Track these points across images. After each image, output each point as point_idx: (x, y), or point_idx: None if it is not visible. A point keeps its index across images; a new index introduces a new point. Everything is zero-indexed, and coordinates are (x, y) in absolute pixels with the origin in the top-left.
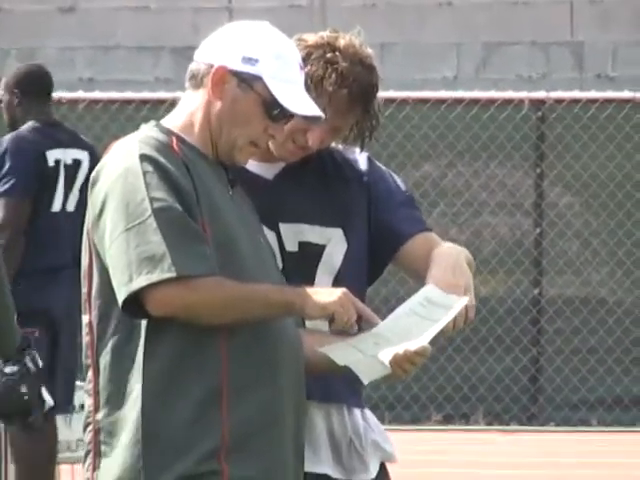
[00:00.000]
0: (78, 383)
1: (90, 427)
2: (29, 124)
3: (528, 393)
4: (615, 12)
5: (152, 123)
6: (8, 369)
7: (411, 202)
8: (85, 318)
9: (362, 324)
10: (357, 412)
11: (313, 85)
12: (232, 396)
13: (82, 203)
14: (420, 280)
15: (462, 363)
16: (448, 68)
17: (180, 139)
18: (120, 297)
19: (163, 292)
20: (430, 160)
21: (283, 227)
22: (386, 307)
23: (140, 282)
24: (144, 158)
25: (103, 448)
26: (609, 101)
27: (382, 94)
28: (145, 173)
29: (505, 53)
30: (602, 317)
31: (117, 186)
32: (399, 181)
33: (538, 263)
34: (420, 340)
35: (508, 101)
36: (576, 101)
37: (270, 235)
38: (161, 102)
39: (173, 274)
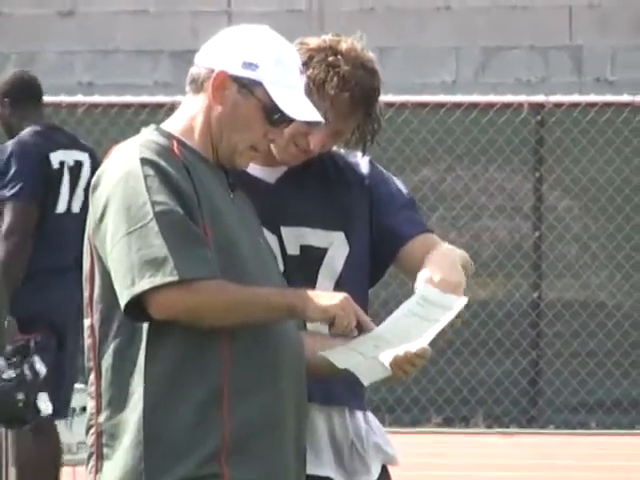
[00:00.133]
0: (77, 386)
1: (92, 430)
2: (30, 129)
3: (527, 396)
4: (614, 16)
5: (152, 127)
6: (6, 375)
7: (412, 204)
8: (87, 321)
9: (359, 330)
10: (359, 415)
11: (315, 88)
12: (233, 399)
13: (87, 204)
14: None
15: (462, 366)
16: (447, 72)
17: (181, 143)
18: (122, 301)
19: (165, 295)
20: (429, 164)
21: (285, 231)
22: (385, 310)
23: (142, 285)
24: (145, 162)
25: (105, 451)
26: (608, 105)
27: (381, 98)
28: (146, 177)
29: (504, 57)
30: (601, 320)
31: (118, 190)
32: (400, 184)
33: (537, 267)
34: (420, 341)
35: (507, 105)
36: (575, 105)
37: (272, 239)
38: (160, 106)
39: (175, 277)
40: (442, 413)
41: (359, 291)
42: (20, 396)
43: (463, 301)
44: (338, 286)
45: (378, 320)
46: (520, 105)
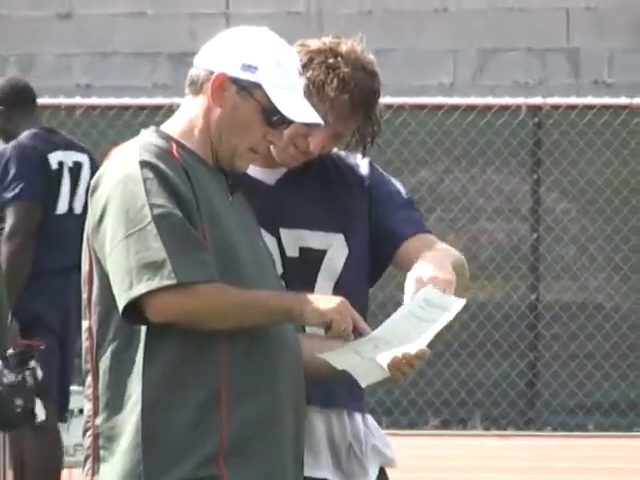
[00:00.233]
0: (74, 388)
1: (89, 432)
2: (27, 132)
3: (525, 398)
4: (611, 19)
5: (152, 129)
6: (6, 379)
7: (410, 205)
8: (85, 323)
9: (356, 335)
10: (358, 417)
11: (315, 90)
12: (232, 401)
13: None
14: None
15: (459, 368)
16: (445, 74)
17: (180, 145)
18: (120, 304)
19: (163, 299)
20: (427, 166)
21: (284, 233)
22: (383, 312)
23: (140, 289)
24: (144, 164)
25: (102, 453)
26: (606, 107)
27: (379, 100)
28: (145, 180)
29: (501, 59)
30: (599, 322)
31: (117, 192)
32: (399, 185)
33: (535, 269)
34: (419, 343)
35: (505, 107)
36: (573, 107)
37: (271, 241)
38: (158, 108)
39: (173, 281)
40: (440, 415)
41: (359, 293)
42: (19, 402)
43: (461, 302)
44: (338, 288)
45: (376, 322)
46: (518, 107)
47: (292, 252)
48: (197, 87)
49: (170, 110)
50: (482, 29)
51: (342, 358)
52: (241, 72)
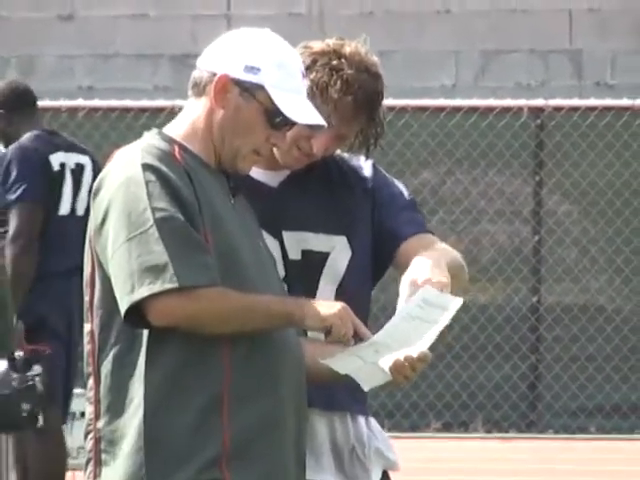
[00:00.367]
0: (76, 390)
1: (91, 435)
2: (29, 134)
3: (527, 400)
4: (614, 20)
5: (154, 131)
6: (15, 383)
7: (413, 206)
8: (87, 327)
9: (357, 340)
10: (361, 420)
11: (318, 92)
12: (233, 405)
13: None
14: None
15: (461, 371)
16: (447, 76)
17: (182, 147)
18: (122, 307)
19: (165, 302)
20: (429, 168)
21: (286, 235)
22: (384, 314)
23: (142, 292)
24: (146, 167)
25: (104, 456)
26: (608, 109)
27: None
28: (147, 183)
29: (504, 61)
30: (600, 325)
31: (119, 195)
32: (402, 187)
33: (537, 271)
34: (420, 345)
35: (507, 109)
36: (575, 109)
37: (273, 243)
38: (160, 110)
39: (175, 284)
40: (441, 418)
41: (361, 295)
42: (25, 406)
43: (459, 301)
44: (341, 289)
45: (377, 325)
46: (520, 109)
47: (294, 255)
48: (200, 89)
49: (172, 112)
50: (484, 30)
51: (344, 362)
52: (244, 74)
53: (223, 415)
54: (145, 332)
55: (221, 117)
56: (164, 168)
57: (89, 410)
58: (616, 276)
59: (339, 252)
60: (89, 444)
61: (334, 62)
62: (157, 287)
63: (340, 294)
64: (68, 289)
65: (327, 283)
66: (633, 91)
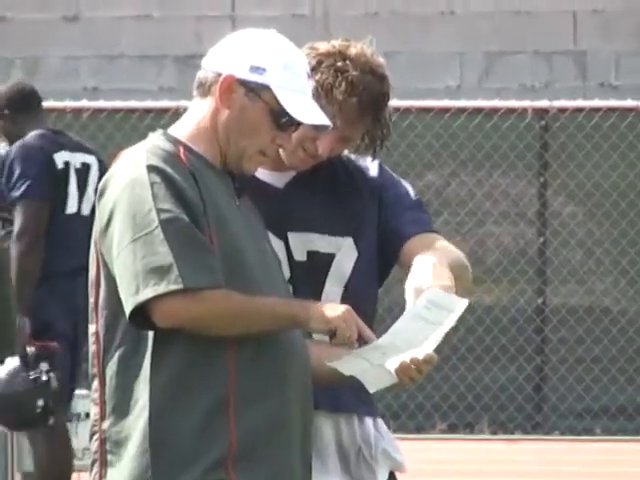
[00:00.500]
0: (81, 392)
1: (96, 436)
2: (33, 133)
3: (532, 402)
4: (618, 22)
5: (160, 132)
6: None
7: (418, 206)
8: (92, 327)
9: (361, 343)
10: (369, 421)
11: (323, 93)
12: (239, 406)
13: None
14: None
15: (466, 372)
16: (451, 77)
17: (187, 148)
18: (127, 308)
19: (169, 304)
20: (433, 169)
21: (292, 236)
22: (390, 316)
23: (147, 294)
24: (151, 169)
25: (109, 457)
26: (612, 110)
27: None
28: (152, 184)
29: (508, 62)
30: (606, 326)
31: (124, 197)
32: (408, 187)
33: (542, 272)
34: (426, 346)
35: (511, 110)
36: (579, 110)
37: (279, 244)
38: (165, 111)
39: (180, 286)
40: (447, 419)
41: (367, 296)
42: (40, 402)
43: (465, 303)
44: (347, 291)
45: (383, 326)
46: (524, 110)
47: (300, 256)
48: (205, 89)
49: (176, 113)
50: (489, 32)
51: (350, 364)
52: (249, 74)
53: (229, 417)
54: (150, 333)
55: (226, 117)
56: (169, 169)
57: (94, 411)
58: (621, 278)
59: (345, 253)
60: (94, 445)
61: (339, 63)
62: (162, 288)
63: (346, 296)
64: (73, 289)
65: (333, 284)
66: (637, 92)
